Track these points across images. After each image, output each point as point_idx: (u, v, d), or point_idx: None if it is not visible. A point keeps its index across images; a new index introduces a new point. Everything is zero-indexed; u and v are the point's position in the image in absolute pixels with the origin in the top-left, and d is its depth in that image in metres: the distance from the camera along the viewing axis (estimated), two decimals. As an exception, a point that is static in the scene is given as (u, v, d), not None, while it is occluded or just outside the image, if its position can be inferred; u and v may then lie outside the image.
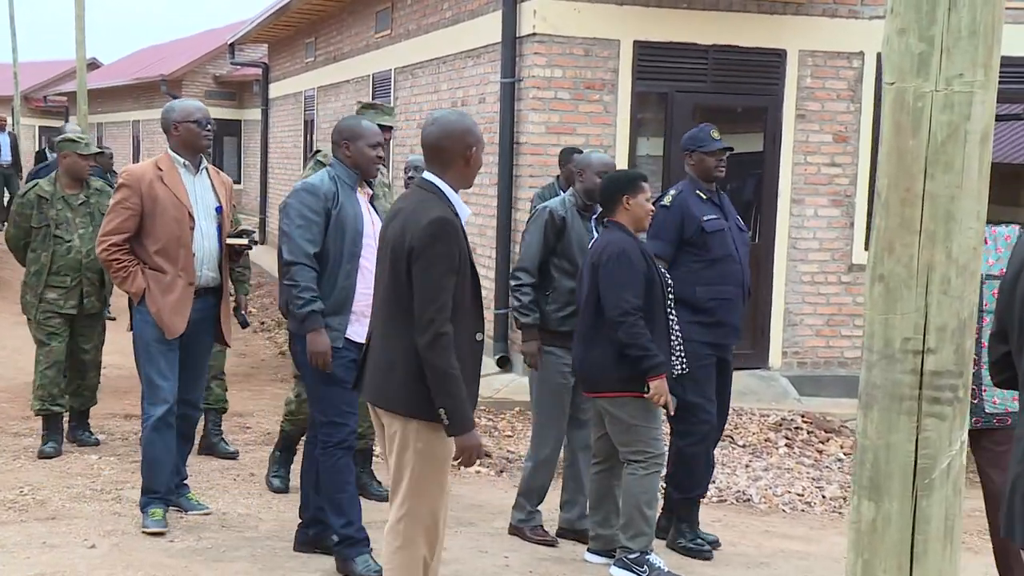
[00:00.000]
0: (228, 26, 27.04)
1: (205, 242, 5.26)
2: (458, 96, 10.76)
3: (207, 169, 5.39)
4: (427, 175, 3.80)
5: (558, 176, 7.43)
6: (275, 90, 19.88)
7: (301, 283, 4.60)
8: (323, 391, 4.69)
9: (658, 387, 4.80)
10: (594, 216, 5.28)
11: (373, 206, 4.88)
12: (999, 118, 10.74)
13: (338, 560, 4.77)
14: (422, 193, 3.78)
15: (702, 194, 5.52)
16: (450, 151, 3.76)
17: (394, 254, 3.71)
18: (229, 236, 5.34)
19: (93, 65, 36.60)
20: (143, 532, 5.17)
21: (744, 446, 8.02)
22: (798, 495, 7.07)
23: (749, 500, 6.92)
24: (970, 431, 4.43)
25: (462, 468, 4.72)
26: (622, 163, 8.96)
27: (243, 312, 6.17)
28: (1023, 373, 3.17)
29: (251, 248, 5.45)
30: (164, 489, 5.29)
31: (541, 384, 5.45)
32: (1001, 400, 4.47)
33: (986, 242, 4.43)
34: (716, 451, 7.84)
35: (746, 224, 9.78)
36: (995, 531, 4.61)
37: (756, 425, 8.47)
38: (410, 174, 6.36)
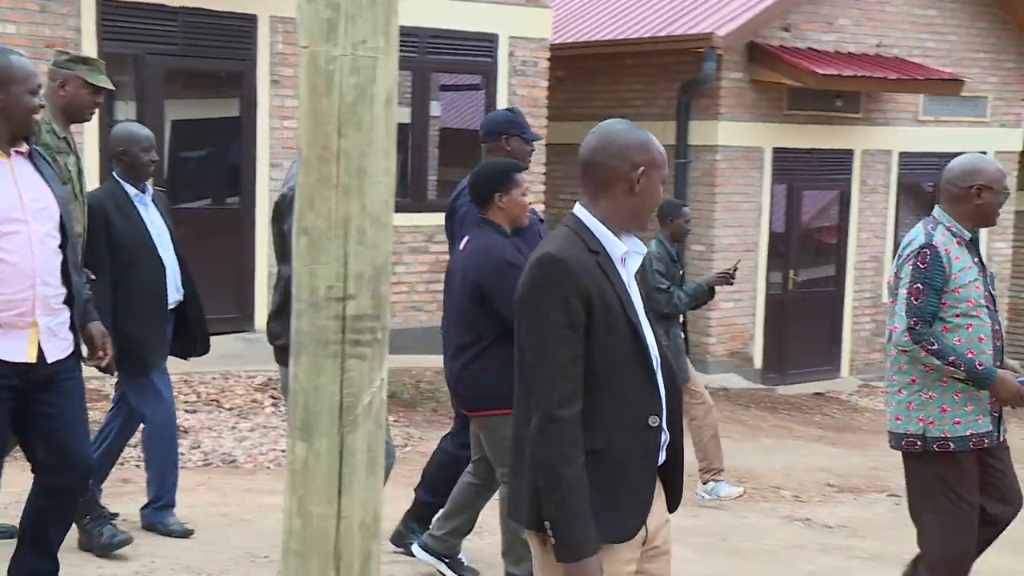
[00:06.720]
0: None
1: None
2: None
3: None
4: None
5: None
6: None
7: None
8: None
9: None
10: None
11: (39, 168, 3.78)
12: (458, 88, 11.56)
13: None
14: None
15: None
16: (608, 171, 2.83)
17: None
18: None
19: None
20: None
21: (231, 409, 8.07)
22: (282, 451, 7.24)
23: (235, 461, 6.99)
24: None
25: None
26: (93, 130, 8.54)
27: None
28: None
29: None
30: None
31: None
32: None
33: None
34: (203, 416, 7.86)
35: (230, 189, 9.78)
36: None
37: (243, 387, 8.55)
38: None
